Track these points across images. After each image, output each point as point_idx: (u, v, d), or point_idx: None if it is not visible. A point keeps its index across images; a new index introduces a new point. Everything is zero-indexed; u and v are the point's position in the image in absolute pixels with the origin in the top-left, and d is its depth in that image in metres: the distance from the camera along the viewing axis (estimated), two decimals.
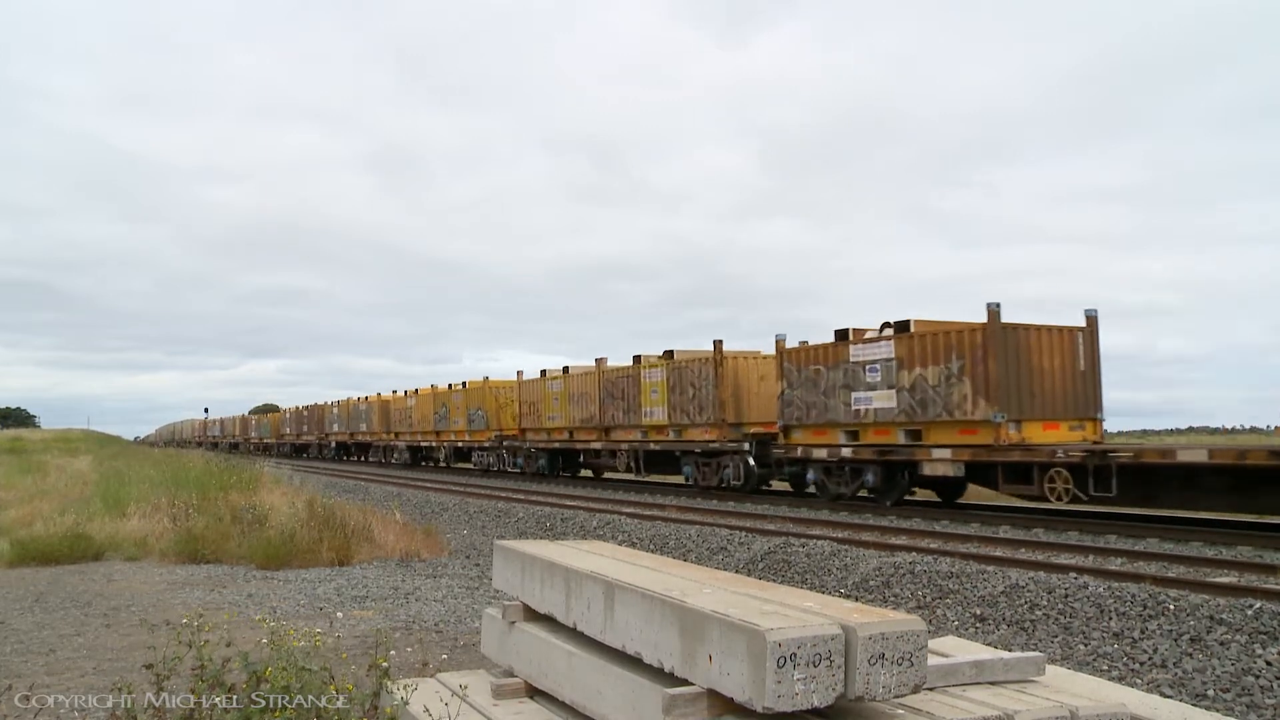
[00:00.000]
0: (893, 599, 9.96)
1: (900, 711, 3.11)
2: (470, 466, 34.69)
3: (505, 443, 30.20)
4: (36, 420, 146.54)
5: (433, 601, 9.73)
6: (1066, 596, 8.75)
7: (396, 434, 41.16)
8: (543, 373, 28.22)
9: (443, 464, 37.45)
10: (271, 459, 47.28)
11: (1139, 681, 6.78)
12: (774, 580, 10.53)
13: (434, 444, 36.83)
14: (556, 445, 27.39)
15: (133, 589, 10.56)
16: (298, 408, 59.37)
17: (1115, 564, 10.53)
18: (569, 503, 19.93)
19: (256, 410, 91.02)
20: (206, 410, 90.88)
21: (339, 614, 8.83)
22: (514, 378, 30.93)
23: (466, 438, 33.50)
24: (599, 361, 25.74)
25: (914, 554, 11.17)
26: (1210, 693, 6.48)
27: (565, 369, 27.09)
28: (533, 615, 4.54)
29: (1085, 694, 3.39)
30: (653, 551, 12.59)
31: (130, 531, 14.21)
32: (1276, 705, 6.18)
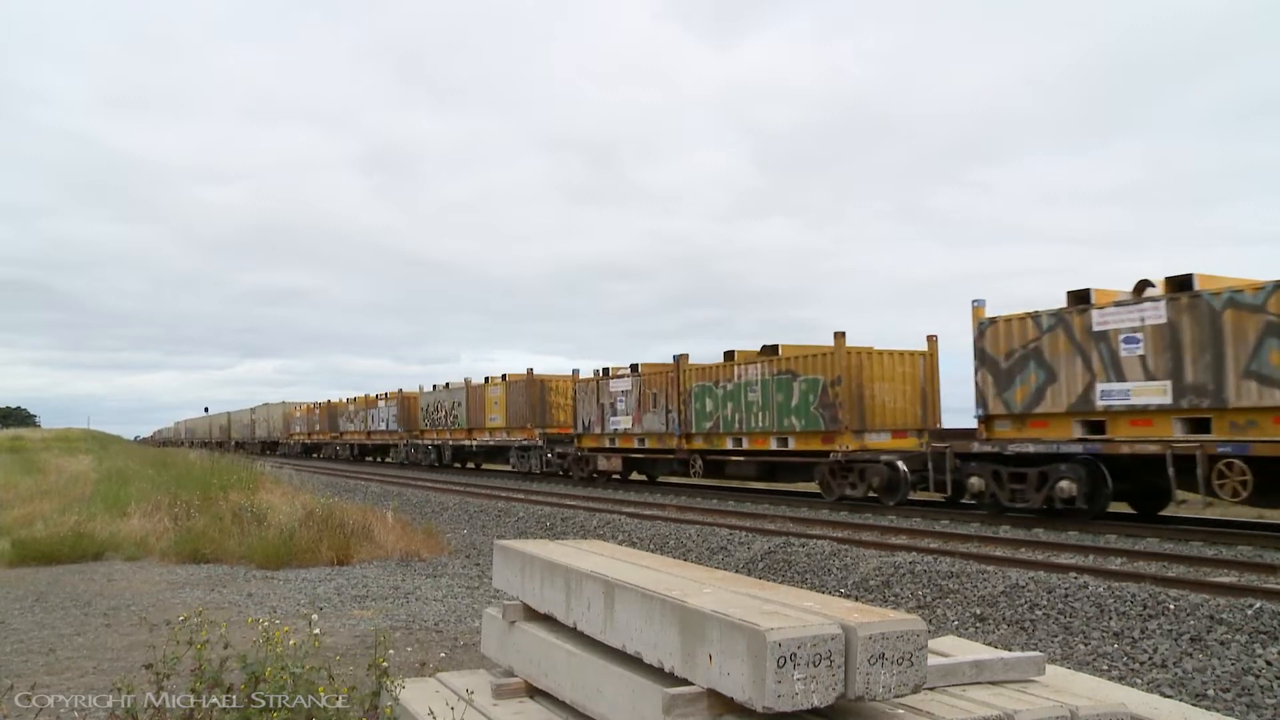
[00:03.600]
0: (893, 599, 9.96)
1: (900, 711, 3.11)
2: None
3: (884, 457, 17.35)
4: (37, 420, 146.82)
5: (433, 601, 9.73)
6: (1066, 596, 8.74)
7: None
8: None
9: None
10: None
11: (1139, 681, 6.77)
12: (774, 580, 10.52)
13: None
14: None
15: (133, 589, 10.56)
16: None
17: (1115, 564, 10.52)
18: (569, 503, 19.92)
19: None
20: (206, 409, 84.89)
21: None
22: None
23: (773, 444, 19.94)
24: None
25: (914, 554, 11.17)
26: (1210, 692, 6.47)
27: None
28: (533, 615, 4.54)
29: (1085, 694, 3.38)
30: (653, 551, 12.59)
31: (131, 531, 14.20)
32: (1277, 705, 6.18)
